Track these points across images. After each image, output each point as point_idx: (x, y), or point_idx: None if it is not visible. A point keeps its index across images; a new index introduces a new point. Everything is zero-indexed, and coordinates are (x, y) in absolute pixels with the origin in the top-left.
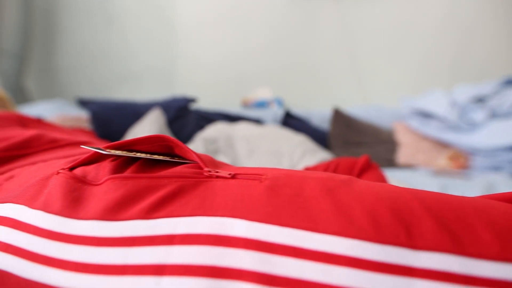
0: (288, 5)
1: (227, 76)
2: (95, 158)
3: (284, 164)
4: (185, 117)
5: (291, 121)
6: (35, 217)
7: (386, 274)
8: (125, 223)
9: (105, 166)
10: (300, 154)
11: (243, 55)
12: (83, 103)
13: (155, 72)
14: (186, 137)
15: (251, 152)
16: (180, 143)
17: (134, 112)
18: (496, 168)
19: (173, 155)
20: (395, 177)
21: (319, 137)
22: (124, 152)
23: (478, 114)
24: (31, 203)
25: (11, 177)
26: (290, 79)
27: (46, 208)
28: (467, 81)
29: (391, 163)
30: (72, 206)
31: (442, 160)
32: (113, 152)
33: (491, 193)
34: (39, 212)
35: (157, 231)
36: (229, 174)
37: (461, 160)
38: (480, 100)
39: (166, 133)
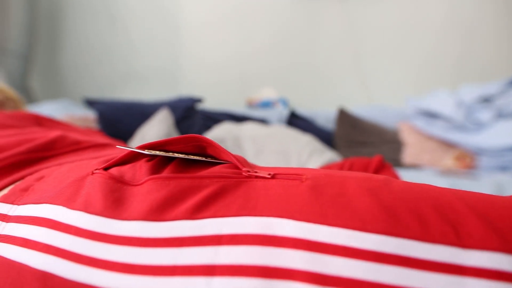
0: (292, 5)
1: (231, 76)
2: (128, 159)
3: (292, 164)
4: (192, 117)
5: (296, 121)
6: (75, 217)
7: (437, 273)
8: (171, 223)
9: (142, 167)
10: (307, 154)
11: (247, 55)
12: (90, 103)
13: (159, 72)
14: None
15: (259, 152)
16: (215, 143)
17: (141, 112)
18: (503, 168)
19: (205, 155)
20: (402, 178)
21: (324, 137)
22: (163, 152)
23: (484, 114)
24: (69, 204)
25: (41, 177)
26: (295, 79)
27: (87, 208)
28: (471, 80)
29: (397, 163)
30: (114, 206)
31: (448, 160)
32: (153, 152)
33: (501, 193)
34: (79, 213)
35: (204, 232)
36: (269, 174)
37: (467, 160)
38: (486, 100)
39: (174, 133)
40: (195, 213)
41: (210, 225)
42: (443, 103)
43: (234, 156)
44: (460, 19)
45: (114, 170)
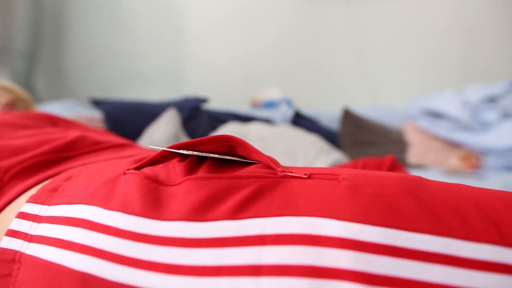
0: (296, 5)
1: (235, 76)
2: (158, 159)
3: (299, 164)
4: (198, 117)
5: (301, 121)
6: (113, 218)
7: (483, 272)
8: (213, 223)
9: (175, 167)
10: (314, 154)
11: (251, 55)
12: (96, 103)
13: (163, 72)
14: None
15: (266, 151)
16: (247, 143)
17: (147, 112)
18: (509, 168)
19: (235, 155)
20: None
21: (329, 137)
22: (199, 152)
23: (490, 114)
24: (104, 204)
25: (69, 177)
26: (299, 79)
27: (125, 209)
28: (475, 80)
29: (402, 163)
30: (154, 207)
31: (453, 160)
32: (191, 152)
33: None
34: (117, 213)
35: (247, 232)
36: (305, 174)
37: (473, 160)
38: (491, 100)
39: (182, 133)
40: (236, 213)
41: (253, 225)
42: (448, 103)
43: (268, 157)
44: (464, 19)
45: (147, 170)
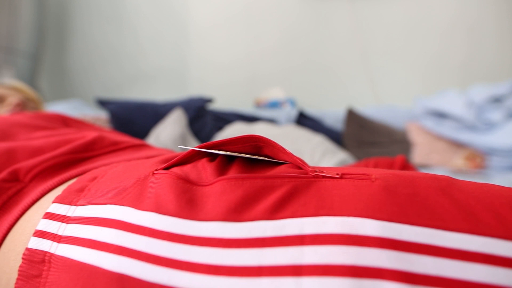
0: (300, 5)
1: (239, 76)
2: (186, 159)
3: None
4: (203, 117)
5: (305, 121)
6: (147, 218)
7: None
8: (251, 223)
9: (205, 167)
10: (320, 154)
11: (255, 55)
12: (102, 103)
13: (166, 72)
14: (206, 137)
15: None
16: (275, 143)
17: (153, 112)
18: None
19: (261, 155)
20: None
21: (333, 137)
22: (234, 152)
23: (495, 114)
24: (136, 205)
25: (94, 178)
26: (303, 79)
27: (159, 209)
28: (478, 80)
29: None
30: (189, 207)
31: (458, 160)
32: (223, 152)
33: None
34: (150, 214)
35: (285, 232)
36: (337, 174)
37: (478, 160)
38: (496, 100)
39: (188, 133)
40: (273, 213)
41: (291, 225)
42: (453, 103)
43: (297, 157)
44: (467, 19)
45: (177, 170)
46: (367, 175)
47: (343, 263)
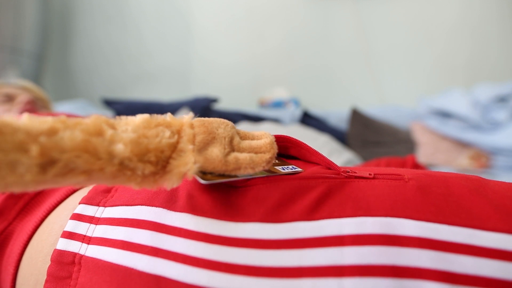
0: (304, 6)
1: (243, 76)
2: None
3: None
4: (209, 117)
5: (309, 120)
6: (181, 220)
7: None
8: (289, 225)
9: None
10: (327, 154)
11: (259, 55)
12: (108, 103)
13: (170, 72)
14: None
15: None
16: (303, 144)
17: (159, 112)
18: None
19: (283, 155)
20: None
21: (337, 137)
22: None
23: (500, 114)
24: (169, 206)
25: None
26: (307, 79)
27: (194, 210)
28: (483, 80)
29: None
30: (225, 208)
31: (463, 159)
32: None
33: None
34: (185, 215)
35: (324, 232)
36: (370, 174)
37: (483, 160)
38: (501, 99)
39: None
40: (311, 214)
41: (329, 226)
42: (458, 102)
43: (326, 158)
44: (472, 18)
45: None
46: (400, 175)
47: (384, 263)
